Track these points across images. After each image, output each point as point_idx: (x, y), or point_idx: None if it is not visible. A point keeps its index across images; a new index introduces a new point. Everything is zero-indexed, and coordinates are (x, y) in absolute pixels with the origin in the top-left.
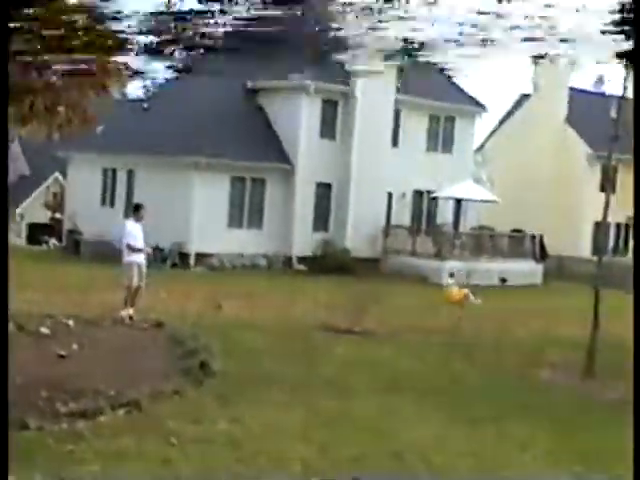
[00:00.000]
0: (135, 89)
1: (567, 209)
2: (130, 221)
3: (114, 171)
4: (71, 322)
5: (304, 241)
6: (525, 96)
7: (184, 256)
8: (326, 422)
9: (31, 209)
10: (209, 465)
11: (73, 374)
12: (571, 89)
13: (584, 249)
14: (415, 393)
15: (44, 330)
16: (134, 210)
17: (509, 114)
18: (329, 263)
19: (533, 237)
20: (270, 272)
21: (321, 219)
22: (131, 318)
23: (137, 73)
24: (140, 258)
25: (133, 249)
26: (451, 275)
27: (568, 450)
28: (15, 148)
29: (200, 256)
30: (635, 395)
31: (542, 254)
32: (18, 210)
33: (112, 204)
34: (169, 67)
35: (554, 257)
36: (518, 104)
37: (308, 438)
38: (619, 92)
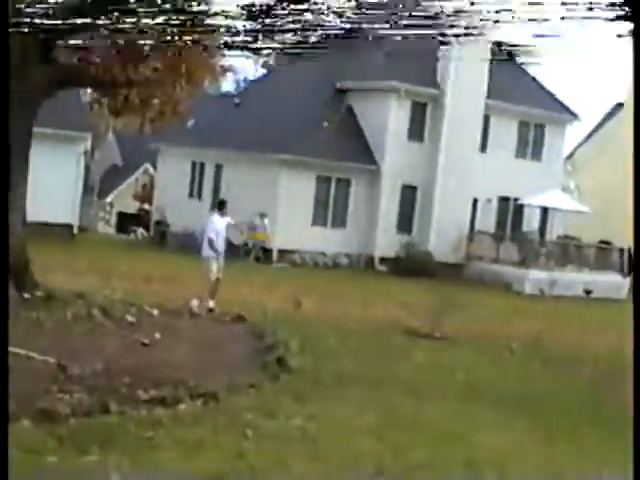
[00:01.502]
0: (227, 85)
1: None
2: (216, 215)
3: (202, 164)
4: (155, 312)
5: (387, 242)
6: (619, 105)
7: (267, 251)
8: (401, 424)
9: (121, 198)
10: (282, 460)
11: (155, 362)
12: None
13: None
14: (490, 401)
15: (129, 318)
16: (219, 206)
17: (601, 123)
18: (411, 266)
19: (621, 250)
20: (351, 272)
21: (405, 221)
22: (211, 310)
23: (229, 69)
24: (217, 253)
25: (212, 244)
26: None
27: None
28: (109, 139)
29: (283, 252)
30: (635, 395)
31: (630, 268)
32: (108, 199)
33: (200, 197)
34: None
35: None
36: (611, 114)
37: (382, 439)
38: None
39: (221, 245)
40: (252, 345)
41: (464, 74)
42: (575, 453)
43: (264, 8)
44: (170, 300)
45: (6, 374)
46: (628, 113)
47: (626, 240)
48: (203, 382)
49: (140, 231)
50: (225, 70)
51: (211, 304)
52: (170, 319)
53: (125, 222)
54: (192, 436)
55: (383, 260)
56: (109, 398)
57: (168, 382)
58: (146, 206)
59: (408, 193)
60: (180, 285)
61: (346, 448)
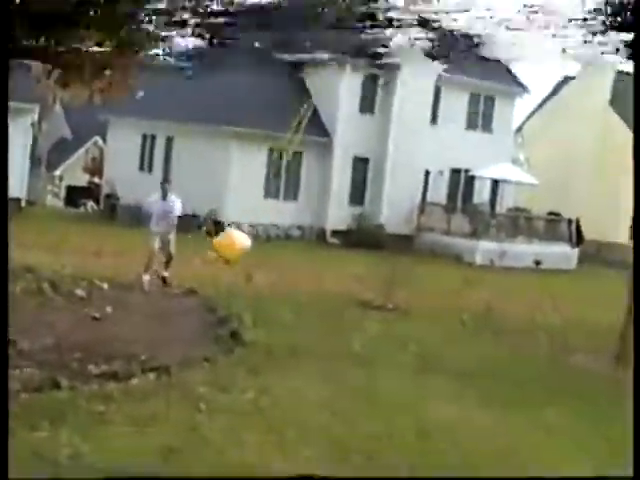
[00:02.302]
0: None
1: (606, 194)
2: (153, 196)
3: (153, 137)
4: (105, 285)
5: (339, 215)
6: (568, 78)
7: (219, 224)
8: (353, 396)
9: (70, 171)
10: (235, 433)
11: (106, 337)
12: (617, 72)
13: (622, 235)
14: (442, 372)
15: (79, 292)
16: (161, 185)
17: (550, 96)
18: (363, 238)
19: (570, 221)
20: (304, 244)
21: (357, 194)
22: (164, 280)
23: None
24: (164, 228)
25: (154, 220)
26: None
27: (595, 436)
28: (57, 111)
29: (235, 225)
30: (635, 394)
31: (578, 238)
32: (57, 172)
33: (150, 170)
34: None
35: (591, 242)
36: (560, 86)
37: (335, 411)
38: None
39: (164, 223)
40: (205, 319)
41: (416, 46)
42: (527, 422)
43: None
44: (121, 274)
45: (6, 373)
46: (577, 85)
47: (574, 211)
48: (155, 356)
49: (90, 204)
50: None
51: (165, 273)
52: (121, 293)
53: (75, 195)
54: (144, 410)
55: (335, 232)
56: (60, 373)
57: (120, 356)
58: (96, 179)
59: (360, 165)
60: (130, 259)
61: (299, 420)
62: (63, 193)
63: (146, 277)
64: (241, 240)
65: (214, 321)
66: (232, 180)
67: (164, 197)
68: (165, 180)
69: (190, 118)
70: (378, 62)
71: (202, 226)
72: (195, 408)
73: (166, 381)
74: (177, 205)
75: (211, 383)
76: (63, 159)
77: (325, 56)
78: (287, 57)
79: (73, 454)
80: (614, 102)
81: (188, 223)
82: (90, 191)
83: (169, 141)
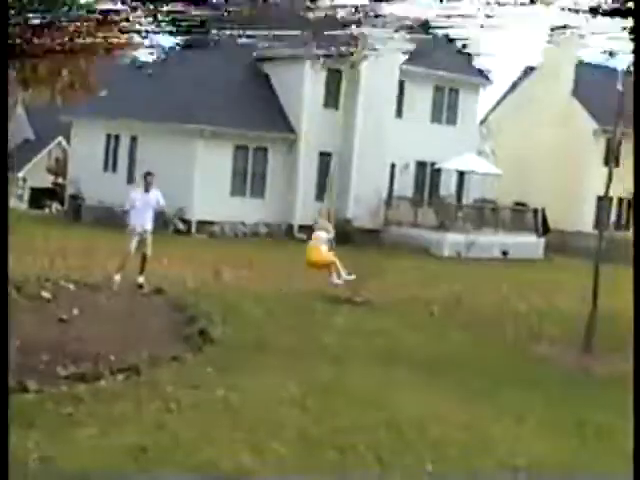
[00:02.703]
0: (142, 55)
1: (571, 183)
2: (135, 190)
3: (117, 137)
4: (72, 286)
5: (306, 210)
6: (531, 69)
7: (186, 223)
8: (323, 391)
9: (34, 173)
10: (205, 431)
11: (73, 338)
12: (579, 62)
13: (587, 223)
14: (411, 364)
15: (45, 294)
16: (144, 177)
17: (514, 86)
18: None
19: (535, 211)
20: (271, 241)
21: (323, 189)
22: (141, 287)
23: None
24: (143, 226)
25: (135, 217)
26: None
27: (561, 423)
28: (19, 112)
29: (202, 223)
30: (635, 394)
31: (544, 228)
32: (21, 174)
33: (114, 170)
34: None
35: (556, 231)
36: (523, 76)
37: (304, 407)
38: (625, 66)
39: (145, 219)
40: (173, 317)
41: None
42: (494, 413)
43: None
44: (87, 275)
45: (6, 373)
46: (540, 75)
47: (539, 201)
48: (124, 356)
49: (55, 205)
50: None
51: (140, 280)
52: (88, 294)
53: (39, 197)
54: (114, 411)
55: (302, 228)
56: (27, 376)
57: (88, 357)
58: (60, 180)
59: (326, 160)
60: (96, 259)
61: (269, 417)
62: (27, 195)
63: (117, 277)
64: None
65: (182, 320)
66: (198, 178)
67: (147, 190)
68: (148, 173)
69: (154, 117)
70: (342, 55)
71: (169, 225)
72: (165, 407)
73: (135, 381)
74: (160, 197)
75: (180, 382)
76: (26, 161)
77: (289, 51)
78: (253, 52)
79: (42, 457)
80: (576, 91)
81: (155, 222)
82: (54, 192)
83: (133, 140)
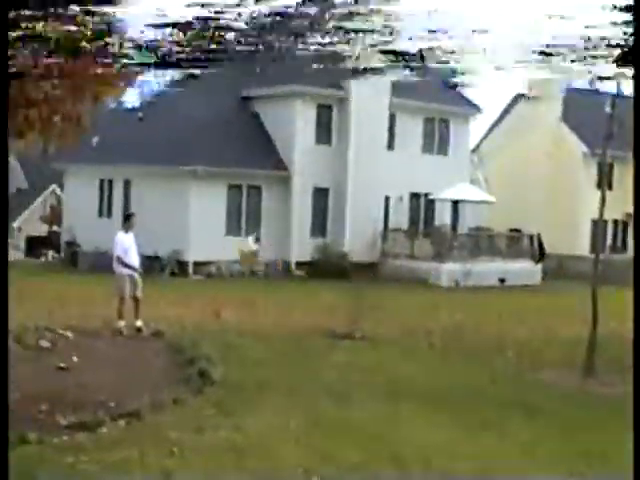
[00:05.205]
0: (131, 98)
1: (564, 208)
2: (120, 232)
3: (111, 182)
4: (70, 334)
5: (302, 247)
6: (520, 96)
7: (182, 264)
8: (327, 429)
9: (29, 222)
10: (210, 474)
11: (73, 386)
12: (566, 88)
13: (583, 247)
14: (416, 399)
15: (43, 343)
16: (124, 220)
17: (504, 114)
18: (327, 268)
19: (531, 237)
20: (269, 278)
21: (319, 224)
22: (139, 330)
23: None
24: (131, 269)
25: (122, 262)
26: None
27: (569, 449)
28: (12, 161)
29: (198, 264)
30: (635, 395)
31: (540, 253)
32: (16, 224)
33: (109, 215)
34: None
35: (553, 256)
36: (513, 104)
37: (309, 444)
38: (613, 90)
39: (134, 261)
40: (173, 359)
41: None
42: (499, 444)
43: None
44: (85, 321)
45: (6, 373)
46: (529, 102)
47: (534, 227)
48: (125, 402)
49: (51, 253)
50: (127, 84)
51: (138, 323)
52: (87, 340)
53: (35, 245)
54: (116, 458)
55: (300, 264)
56: (27, 427)
57: (88, 405)
58: (55, 228)
59: (320, 196)
60: (94, 305)
61: (274, 456)
62: (23, 244)
63: (122, 323)
64: None
65: (182, 361)
66: (193, 219)
67: (130, 230)
68: (132, 213)
69: (146, 160)
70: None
71: (164, 268)
72: (168, 452)
73: (137, 427)
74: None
75: (182, 425)
76: (21, 210)
77: (279, 89)
78: (241, 92)
79: None
80: (565, 117)
81: (151, 265)
82: (50, 240)
83: (127, 184)
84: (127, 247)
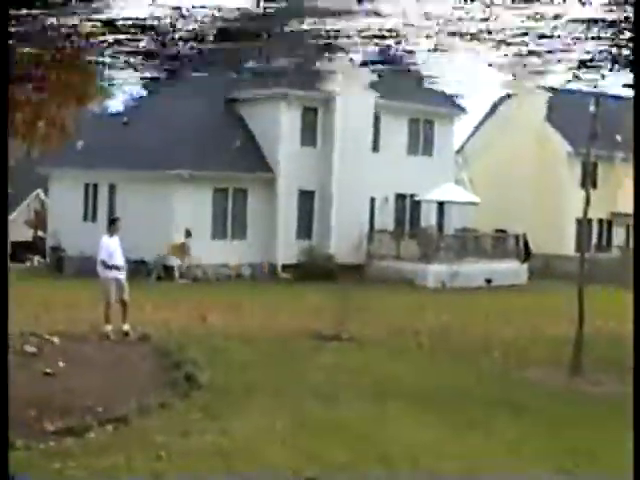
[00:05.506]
0: (115, 103)
1: (550, 207)
2: (105, 236)
3: (95, 186)
4: (56, 339)
5: (288, 249)
6: (505, 96)
7: (168, 269)
8: (314, 431)
9: (14, 227)
10: (198, 478)
11: (60, 391)
12: (550, 88)
13: (568, 246)
14: (403, 399)
15: (29, 348)
16: (109, 225)
17: (489, 115)
18: (314, 270)
19: (516, 237)
20: (255, 281)
21: (304, 227)
22: (126, 334)
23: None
24: (117, 273)
25: (107, 265)
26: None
27: (557, 447)
28: None
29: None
30: (635, 395)
31: (526, 253)
32: None
33: (94, 219)
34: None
35: (539, 256)
36: (497, 104)
37: (296, 446)
38: (596, 90)
39: (120, 264)
40: (159, 364)
41: (352, 75)
42: (486, 442)
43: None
44: (72, 326)
45: (6, 374)
46: (513, 103)
47: (520, 227)
48: (112, 407)
49: (36, 258)
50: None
51: (125, 327)
52: (73, 345)
53: (20, 251)
54: (104, 463)
55: (286, 267)
56: (14, 433)
57: (75, 410)
58: (40, 233)
59: (306, 198)
60: (80, 310)
61: (261, 459)
62: (8, 250)
63: (109, 327)
64: None
65: (169, 365)
66: (178, 223)
67: (116, 233)
68: (117, 218)
69: (131, 164)
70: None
71: (151, 272)
72: (155, 456)
73: (124, 431)
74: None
75: (169, 429)
76: None
77: (264, 92)
78: (226, 95)
79: None
80: (550, 116)
81: (137, 269)
82: (35, 245)
83: (112, 189)
84: (112, 251)
